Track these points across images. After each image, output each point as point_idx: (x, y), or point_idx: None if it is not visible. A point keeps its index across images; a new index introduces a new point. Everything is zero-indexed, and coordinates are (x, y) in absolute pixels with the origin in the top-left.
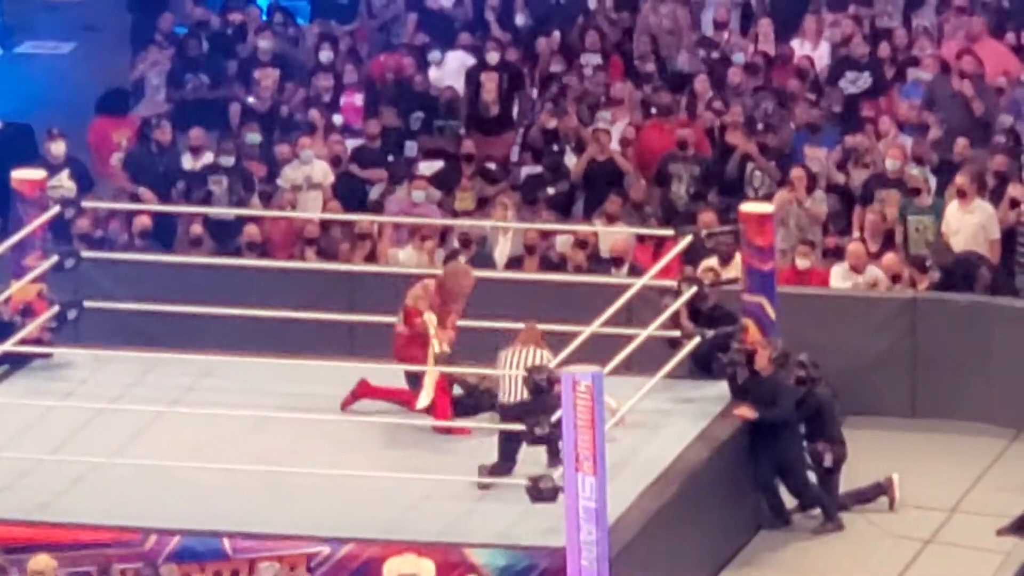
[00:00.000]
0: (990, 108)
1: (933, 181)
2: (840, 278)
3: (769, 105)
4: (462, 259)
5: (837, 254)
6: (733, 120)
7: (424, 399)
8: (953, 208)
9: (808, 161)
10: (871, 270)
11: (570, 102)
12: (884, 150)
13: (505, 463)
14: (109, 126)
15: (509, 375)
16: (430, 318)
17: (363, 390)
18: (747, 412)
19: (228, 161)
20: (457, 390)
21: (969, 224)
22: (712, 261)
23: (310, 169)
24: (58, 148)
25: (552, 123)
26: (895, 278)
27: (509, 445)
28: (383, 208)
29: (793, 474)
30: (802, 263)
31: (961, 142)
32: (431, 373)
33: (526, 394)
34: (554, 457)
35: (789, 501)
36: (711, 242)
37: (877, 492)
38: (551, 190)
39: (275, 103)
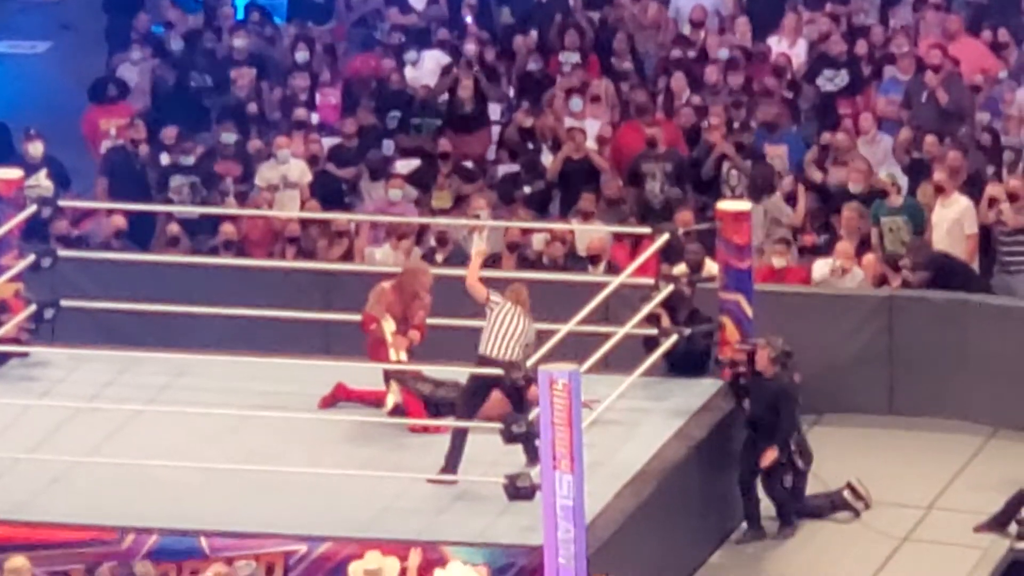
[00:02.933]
0: (958, 102)
1: (905, 181)
2: (822, 273)
3: (744, 102)
4: (439, 257)
5: (814, 252)
6: (712, 119)
7: (390, 401)
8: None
9: (770, 159)
10: (856, 271)
11: (547, 100)
12: (848, 171)
13: (452, 460)
14: (99, 115)
15: (500, 328)
16: (387, 324)
17: (340, 393)
18: (771, 455)
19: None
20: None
21: (946, 218)
22: (681, 268)
23: (286, 168)
24: (35, 148)
25: (528, 121)
26: (879, 279)
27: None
28: (359, 196)
29: (774, 476)
30: (778, 262)
31: (930, 139)
32: (395, 377)
33: (516, 353)
34: (531, 455)
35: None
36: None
37: (844, 503)
38: (528, 188)
39: (251, 102)
